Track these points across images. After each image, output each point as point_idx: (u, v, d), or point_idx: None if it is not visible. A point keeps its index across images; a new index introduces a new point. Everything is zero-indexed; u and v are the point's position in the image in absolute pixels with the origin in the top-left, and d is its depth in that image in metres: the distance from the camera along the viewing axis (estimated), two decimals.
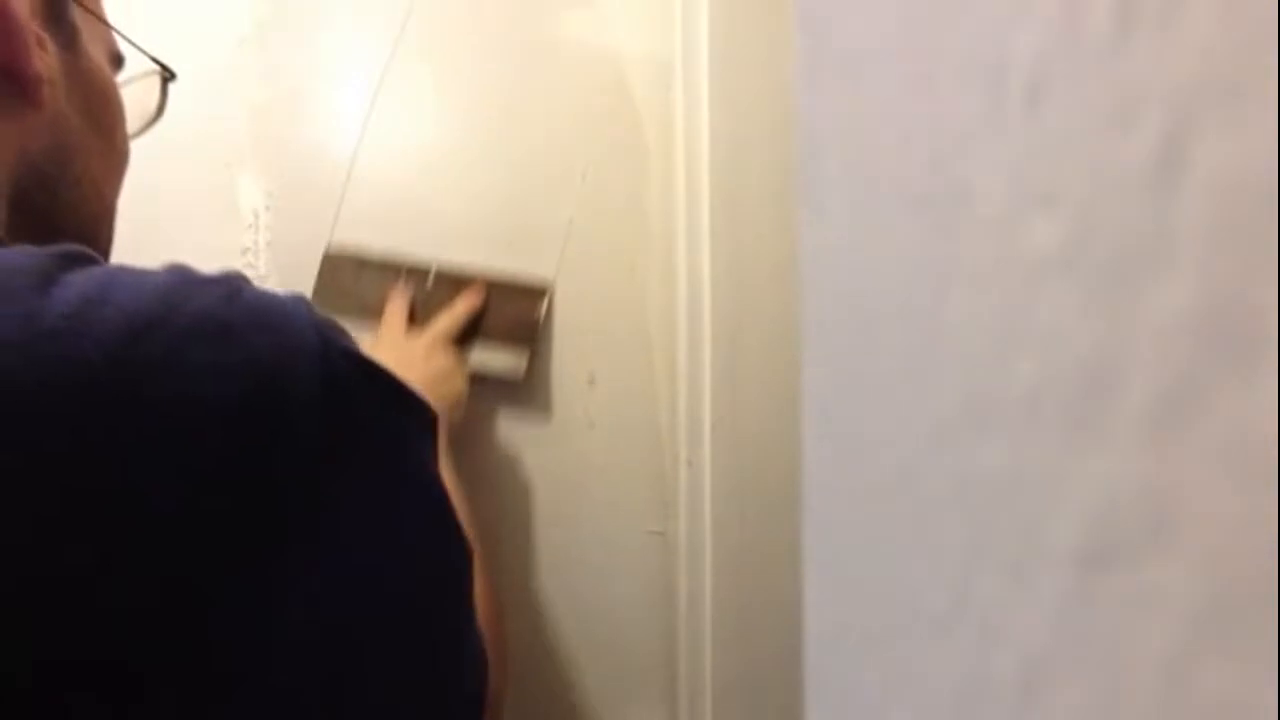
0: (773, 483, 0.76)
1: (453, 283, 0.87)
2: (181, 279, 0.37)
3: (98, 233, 0.53)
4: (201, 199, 0.92)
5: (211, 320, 0.36)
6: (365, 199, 0.93)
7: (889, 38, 0.21)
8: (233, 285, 0.38)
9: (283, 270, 0.93)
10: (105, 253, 0.55)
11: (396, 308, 0.84)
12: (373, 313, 0.86)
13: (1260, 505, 0.11)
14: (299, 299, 0.40)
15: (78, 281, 0.35)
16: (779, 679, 0.74)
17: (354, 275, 0.88)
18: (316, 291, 0.87)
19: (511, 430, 0.91)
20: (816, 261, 0.25)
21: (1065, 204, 0.15)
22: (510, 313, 0.86)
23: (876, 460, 0.22)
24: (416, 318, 0.85)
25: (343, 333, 0.41)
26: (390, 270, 0.87)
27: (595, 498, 0.90)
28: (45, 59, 0.47)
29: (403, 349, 0.79)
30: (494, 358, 0.86)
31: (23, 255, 0.37)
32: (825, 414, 0.25)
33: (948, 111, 0.18)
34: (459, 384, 0.80)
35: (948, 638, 0.18)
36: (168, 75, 0.61)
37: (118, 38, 0.56)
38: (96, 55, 0.53)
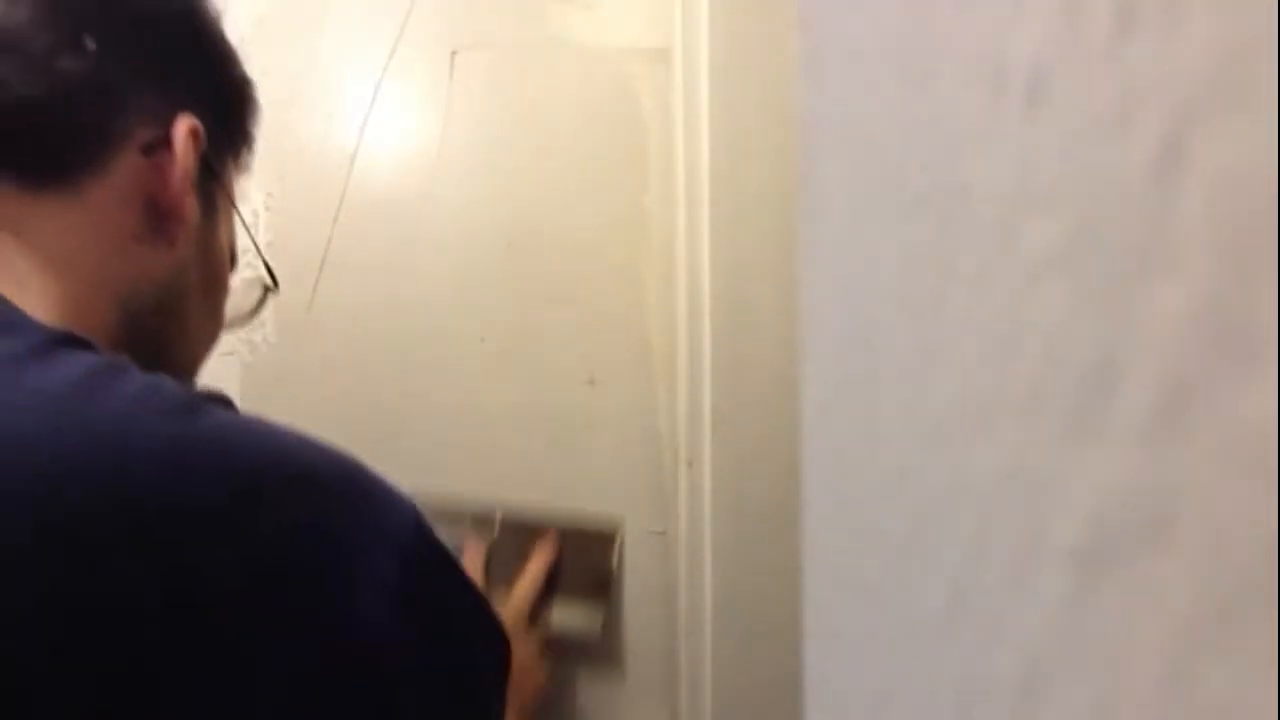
0: (773, 483, 0.76)
1: (520, 530, 0.84)
2: (312, 449, 0.43)
3: (184, 380, 0.58)
4: None
5: (334, 492, 0.42)
6: (365, 199, 0.93)
7: (889, 38, 0.21)
8: (350, 467, 0.43)
9: (282, 271, 0.93)
10: None
11: (472, 570, 0.83)
12: None
13: (1260, 505, 0.11)
14: (414, 508, 0.45)
15: (222, 418, 0.41)
16: (779, 679, 0.74)
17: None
18: None
19: (511, 431, 0.91)
20: (816, 261, 0.25)
21: (1065, 204, 0.15)
22: (582, 563, 0.85)
23: (876, 460, 0.22)
24: (489, 569, 0.84)
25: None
26: (455, 519, 0.85)
27: (595, 498, 0.90)
28: (192, 207, 0.53)
29: None
30: (570, 615, 0.84)
31: (168, 387, 0.42)
32: (825, 414, 0.25)
33: (948, 111, 0.18)
34: (540, 676, 0.81)
35: (948, 638, 0.18)
36: (270, 287, 0.68)
37: (242, 239, 0.63)
38: (224, 240, 0.60)
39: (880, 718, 0.21)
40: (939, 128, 0.19)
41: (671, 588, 0.89)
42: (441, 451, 0.91)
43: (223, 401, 0.43)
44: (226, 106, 0.60)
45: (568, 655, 0.86)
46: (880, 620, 0.21)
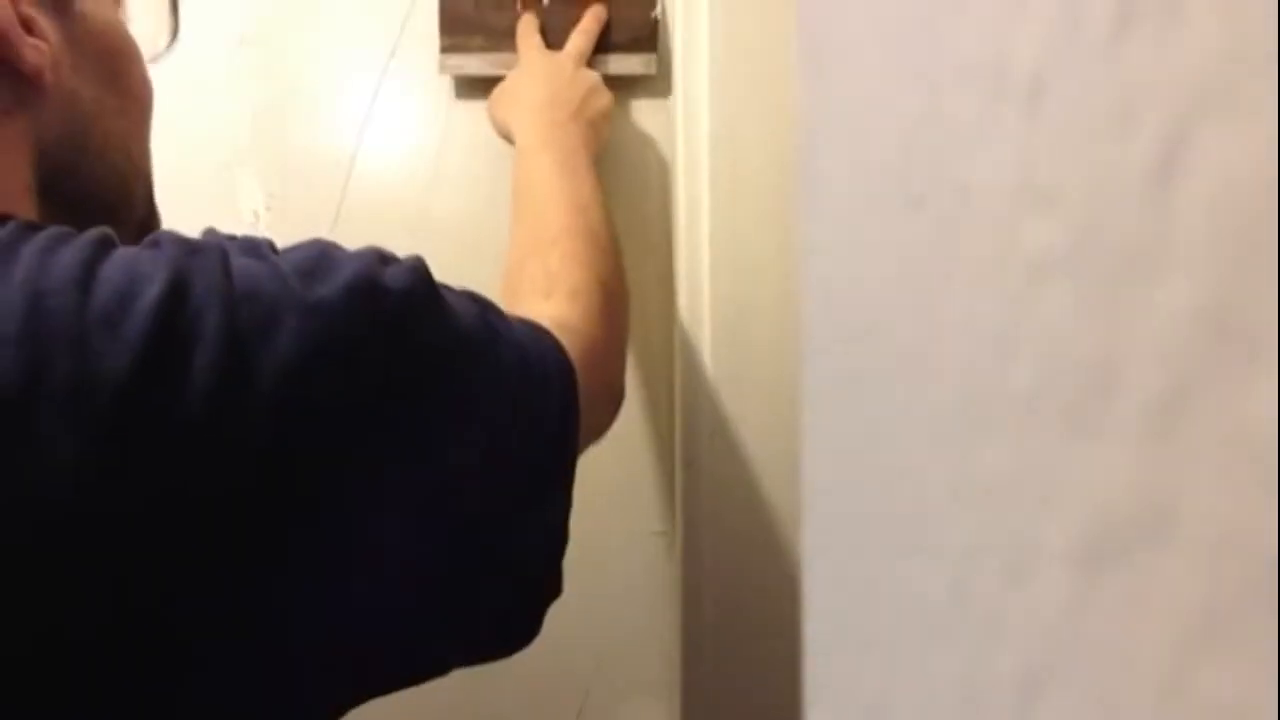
0: (772, 483, 0.76)
1: (567, 4, 0.90)
2: (198, 249, 0.41)
3: (131, 191, 0.54)
4: (201, 199, 0.92)
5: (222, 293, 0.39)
6: (365, 200, 0.93)
7: (889, 38, 0.21)
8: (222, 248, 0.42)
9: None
10: (148, 204, 0.56)
11: (529, 31, 0.88)
12: (500, 38, 0.90)
13: (1260, 505, 0.11)
14: (327, 248, 0.44)
15: (112, 277, 0.38)
16: (779, 679, 0.74)
17: (473, 6, 0.91)
18: (441, 27, 0.90)
19: None
20: (816, 261, 0.25)
21: (1065, 204, 0.15)
22: (629, 18, 0.91)
23: (876, 460, 0.22)
24: (545, 39, 0.89)
25: (374, 264, 0.45)
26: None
27: (596, 499, 0.90)
28: (40, 47, 0.46)
29: (551, 70, 0.84)
30: (627, 62, 0.91)
31: (66, 249, 0.39)
32: (825, 414, 0.25)
33: (948, 111, 0.18)
34: (606, 98, 0.85)
35: (948, 638, 0.18)
36: None
37: None
38: (98, 6, 0.51)
39: (880, 718, 0.21)
40: (939, 128, 0.19)
41: (671, 588, 0.89)
42: None
43: (110, 243, 0.41)
44: None
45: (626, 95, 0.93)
46: (880, 620, 0.21)
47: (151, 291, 0.37)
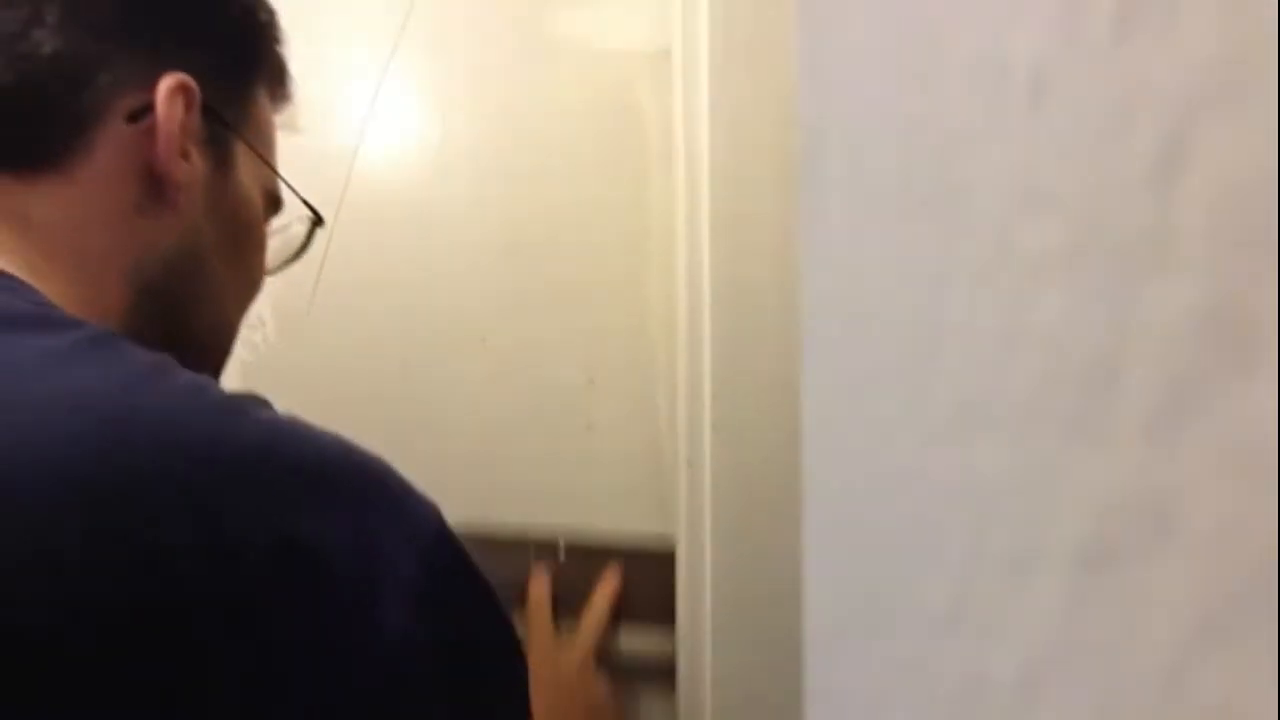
0: (773, 483, 0.76)
1: (584, 555, 0.85)
2: (349, 453, 0.43)
3: (214, 343, 0.58)
4: None
5: (369, 496, 0.42)
6: (365, 199, 0.93)
7: (889, 38, 0.21)
8: (383, 470, 0.44)
9: (282, 272, 0.92)
10: (221, 362, 0.60)
11: (540, 600, 0.83)
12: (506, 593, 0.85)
13: (1260, 505, 0.11)
14: (437, 511, 0.46)
15: (266, 420, 0.42)
16: (779, 679, 0.74)
17: (481, 556, 0.87)
18: None
19: (511, 432, 0.91)
20: (816, 261, 0.25)
21: (1065, 204, 0.15)
22: (649, 587, 0.84)
23: (876, 460, 0.22)
24: (555, 596, 0.83)
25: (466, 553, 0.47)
26: (519, 548, 0.85)
27: (595, 498, 0.90)
28: (188, 169, 0.52)
29: (555, 674, 0.79)
30: (640, 641, 0.84)
31: (213, 389, 0.43)
32: (825, 414, 0.25)
33: (948, 111, 0.18)
34: (608, 718, 0.82)
35: (948, 637, 0.18)
36: (317, 220, 0.67)
37: (281, 184, 0.63)
38: (249, 188, 0.58)
39: (880, 718, 0.21)
40: (939, 128, 0.19)
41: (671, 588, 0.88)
42: (441, 449, 0.91)
43: (262, 404, 0.44)
44: (230, 46, 0.58)
45: (640, 682, 0.87)
46: (880, 620, 0.21)
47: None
